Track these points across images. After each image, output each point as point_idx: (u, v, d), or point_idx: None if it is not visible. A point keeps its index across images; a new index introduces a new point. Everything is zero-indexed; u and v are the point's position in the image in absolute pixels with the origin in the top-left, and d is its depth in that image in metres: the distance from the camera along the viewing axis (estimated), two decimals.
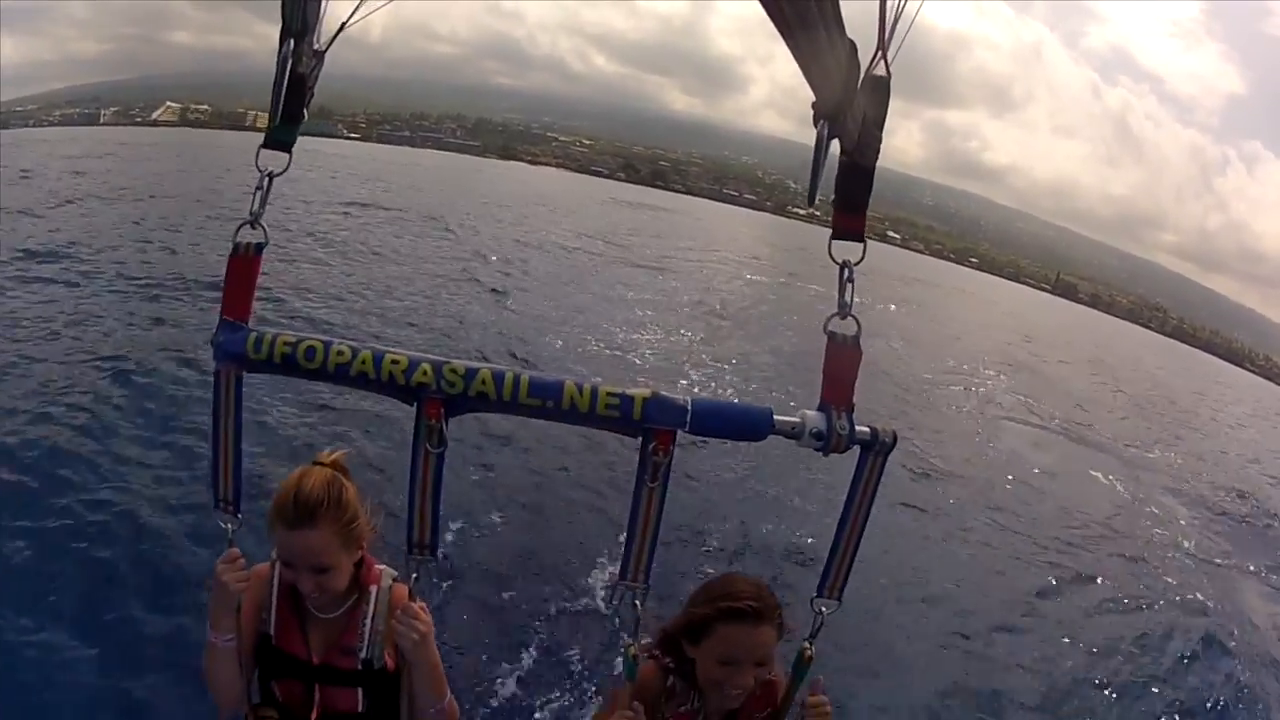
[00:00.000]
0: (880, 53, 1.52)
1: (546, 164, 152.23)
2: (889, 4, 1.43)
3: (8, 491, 5.50)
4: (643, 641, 2.18)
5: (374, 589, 2.18)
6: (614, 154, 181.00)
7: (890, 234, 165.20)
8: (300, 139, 1.83)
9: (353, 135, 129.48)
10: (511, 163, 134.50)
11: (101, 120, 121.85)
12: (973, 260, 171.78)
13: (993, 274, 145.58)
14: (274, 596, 2.15)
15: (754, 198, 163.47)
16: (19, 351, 8.14)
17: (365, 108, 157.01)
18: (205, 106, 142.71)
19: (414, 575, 1.93)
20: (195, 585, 4.61)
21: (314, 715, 2.14)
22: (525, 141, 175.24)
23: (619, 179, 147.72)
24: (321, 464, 2.11)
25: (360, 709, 2.17)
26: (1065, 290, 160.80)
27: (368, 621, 2.14)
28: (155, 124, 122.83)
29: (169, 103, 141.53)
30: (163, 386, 7.77)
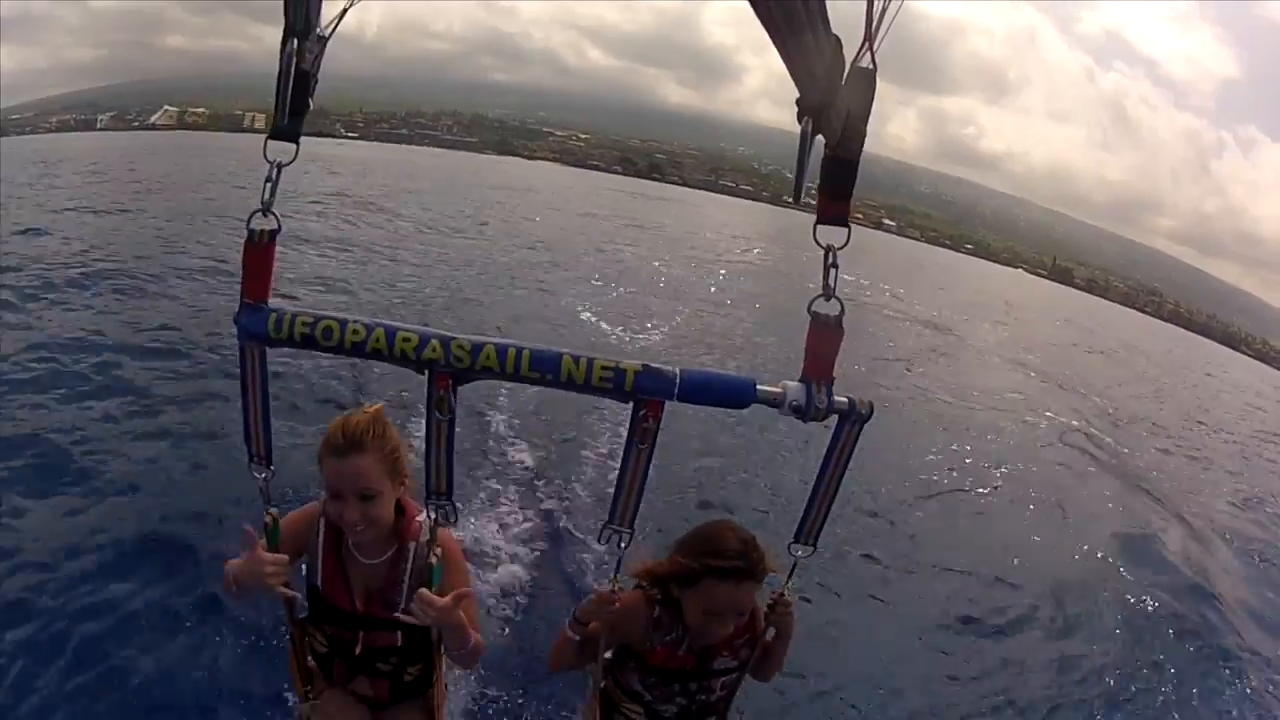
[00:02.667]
0: (866, 45, 1.49)
1: (544, 159, 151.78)
2: None
3: (51, 470, 5.69)
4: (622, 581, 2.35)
5: (413, 545, 2.38)
6: (611, 147, 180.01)
7: (886, 221, 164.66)
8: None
9: (350, 134, 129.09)
10: (509, 158, 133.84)
11: (99, 125, 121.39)
12: (968, 246, 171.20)
13: (989, 260, 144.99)
14: (320, 548, 2.38)
15: (750, 188, 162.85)
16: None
17: (362, 106, 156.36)
18: (202, 109, 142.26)
19: (433, 516, 2.12)
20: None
21: (358, 650, 2.42)
22: (522, 137, 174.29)
23: (616, 172, 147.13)
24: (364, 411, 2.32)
25: (399, 644, 2.45)
26: (1061, 275, 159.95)
27: (406, 580, 2.36)
28: (153, 128, 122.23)
29: (167, 106, 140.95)
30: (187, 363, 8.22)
